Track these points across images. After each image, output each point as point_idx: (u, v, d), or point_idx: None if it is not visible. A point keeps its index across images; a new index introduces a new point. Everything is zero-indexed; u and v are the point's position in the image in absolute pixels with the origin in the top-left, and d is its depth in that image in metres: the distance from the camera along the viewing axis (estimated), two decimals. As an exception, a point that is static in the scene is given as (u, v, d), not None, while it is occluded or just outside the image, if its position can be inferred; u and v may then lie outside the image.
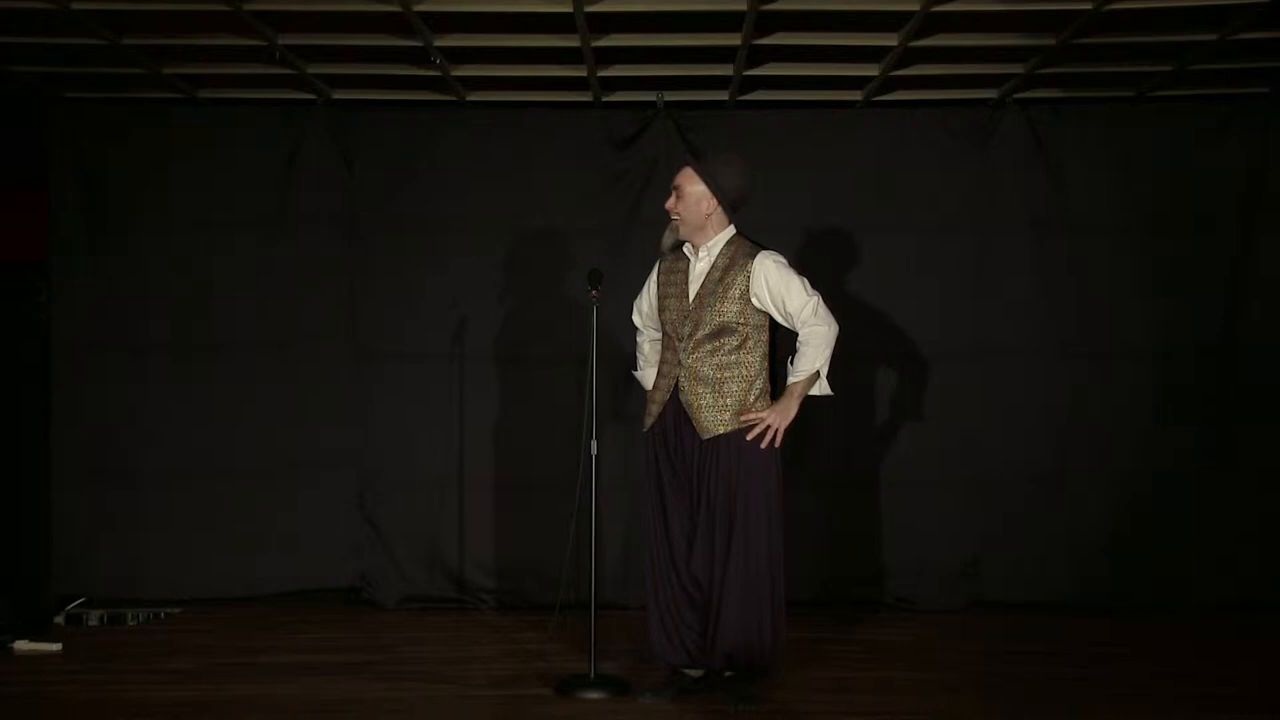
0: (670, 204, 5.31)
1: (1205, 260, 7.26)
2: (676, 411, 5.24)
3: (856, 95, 7.26)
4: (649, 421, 5.35)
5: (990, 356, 7.29)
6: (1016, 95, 7.21)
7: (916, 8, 5.94)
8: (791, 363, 5.22)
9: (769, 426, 5.16)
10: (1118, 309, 7.27)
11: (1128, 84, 7.11)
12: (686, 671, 5.36)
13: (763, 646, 5.17)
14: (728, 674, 5.28)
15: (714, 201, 5.26)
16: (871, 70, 6.82)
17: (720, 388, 5.19)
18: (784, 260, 5.25)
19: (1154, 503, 7.20)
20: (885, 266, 7.29)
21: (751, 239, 5.34)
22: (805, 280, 5.22)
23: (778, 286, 5.18)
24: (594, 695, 5.34)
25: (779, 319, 5.23)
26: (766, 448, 5.16)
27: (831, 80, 7.04)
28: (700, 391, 5.19)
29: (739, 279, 5.20)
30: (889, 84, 7.04)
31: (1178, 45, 6.46)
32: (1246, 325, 7.23)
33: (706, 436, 5.18)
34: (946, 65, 6.81)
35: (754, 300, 5.20)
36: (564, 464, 6.56)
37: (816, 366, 5.18)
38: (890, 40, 6.38)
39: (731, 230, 5.33)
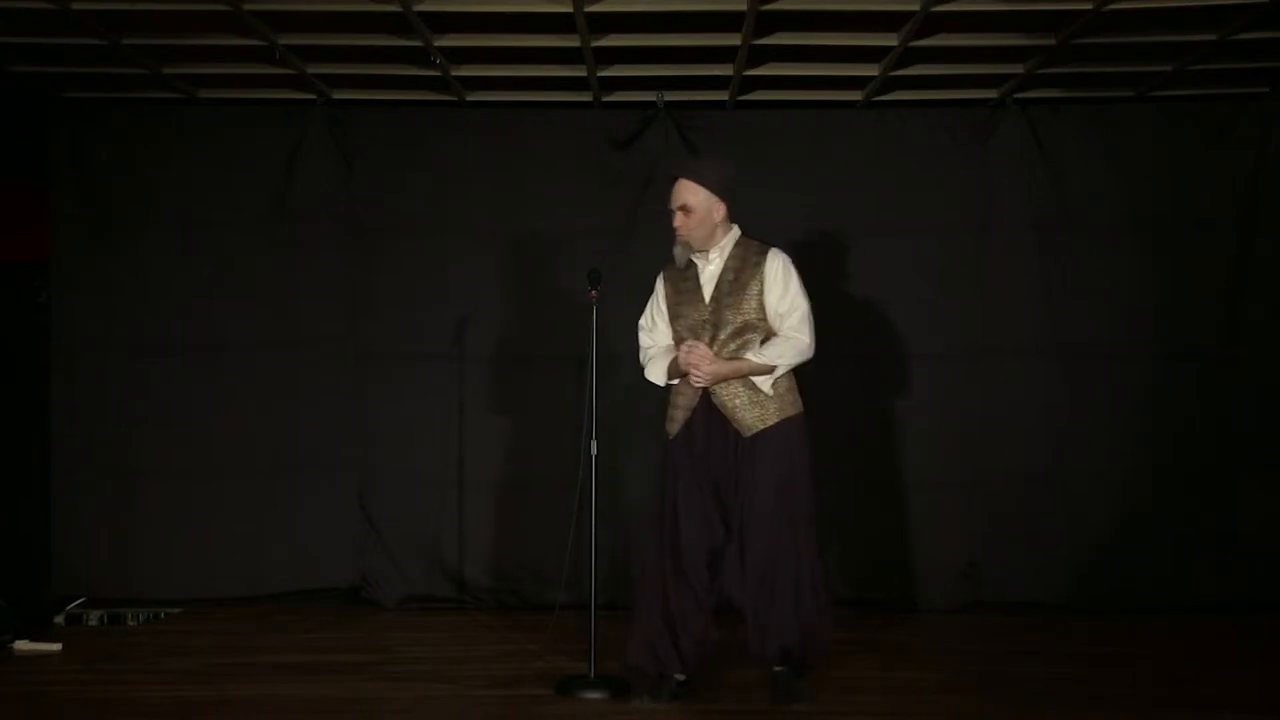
0: (679, 222, 5.24)
1: (1205, 260, 7.26)
2: (709, 416, 5.22)
3: (856, 95, 7.25)
4: (674, 429, 5.30)
5: (990, 356, 7.28)
6: (1016, 95, 7.21)
7: (916, 8, 5.94)
8: (760, 345, 5.20)
9: (702, 362, 5.13)
10: (1117, 309, 7.26)
11: (1128, 84, 7.11)
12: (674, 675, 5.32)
13: (822, 636, 5.18)
14: (776, 669, 5.25)
15: (722, 205, 5.26)
16: (871, 70, 6.81)
17: (753, 384, 5.19)
18: (790, 261, 5.27)
19: (1153, 503, 7.20)
20: (885, 266, 7.28)
21: (758, 238, 5.34)
22: (803, 289, 5.24)
23: (776, 282, 5.20)
24: (593, 695, 5.34)
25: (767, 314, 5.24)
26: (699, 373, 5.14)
27: (831, 80, 7.04)
28: (735, 391, 5.19)
29: (755, 277, 5.21)
30: (889, 84, 7.04)
31: (1178, 45, 6.45)
32: (1246, 325, 7.23)
33: (750, 434, 5.18)
34: (946, 65, 6.81)
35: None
36: (564, 464, 6.56)
37: (776, 364, 5.19)
38: (890, 40, 6.37)
39: (737, 231, 5.33)
